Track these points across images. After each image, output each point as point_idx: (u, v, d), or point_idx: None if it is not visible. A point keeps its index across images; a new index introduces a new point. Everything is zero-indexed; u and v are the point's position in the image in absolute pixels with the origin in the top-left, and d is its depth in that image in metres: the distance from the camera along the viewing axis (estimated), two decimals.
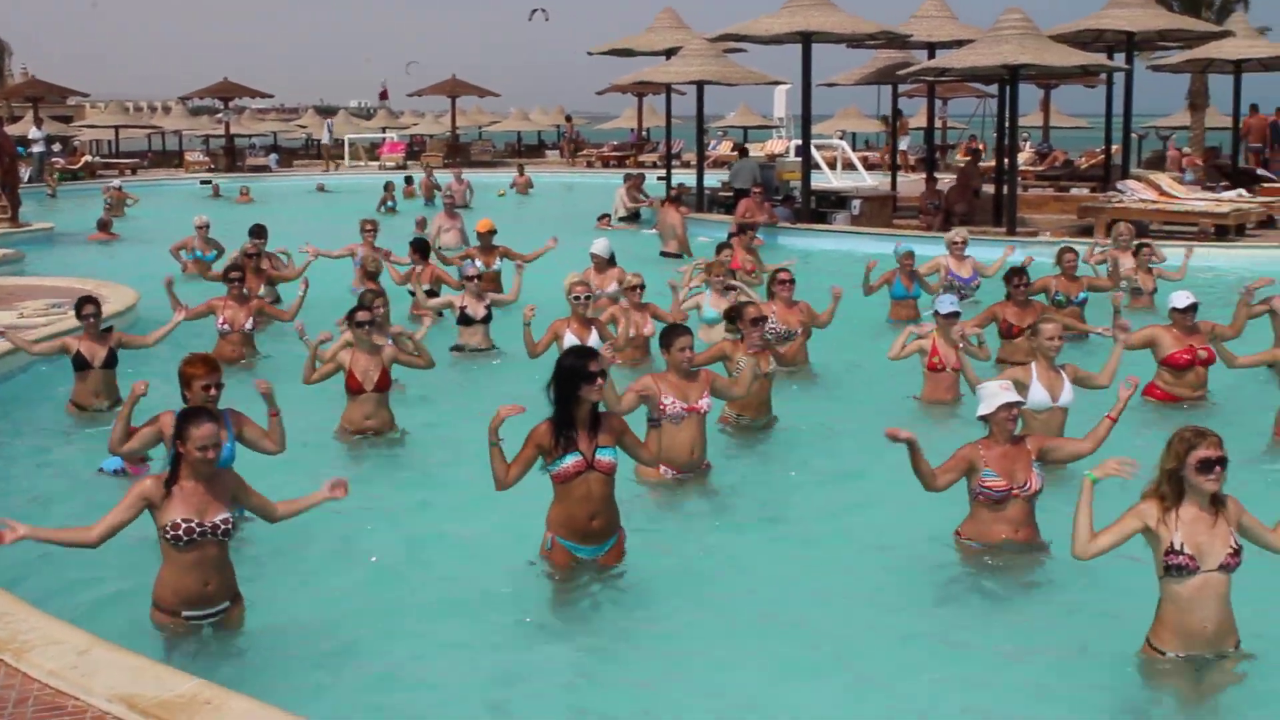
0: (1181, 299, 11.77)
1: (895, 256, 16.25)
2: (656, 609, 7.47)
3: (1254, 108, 34.01)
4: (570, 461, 7.46)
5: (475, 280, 14.53)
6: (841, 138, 42.80)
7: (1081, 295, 14.84)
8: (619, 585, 7.67)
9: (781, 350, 12.37)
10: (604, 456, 7.54)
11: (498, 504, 7.86)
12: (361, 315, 10.90)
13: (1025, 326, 12.43)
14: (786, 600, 7.63)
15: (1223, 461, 6.14)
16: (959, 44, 26.51)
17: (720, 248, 16.46)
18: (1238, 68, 30.90)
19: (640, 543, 8.03)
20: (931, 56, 28.09)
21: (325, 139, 56.77)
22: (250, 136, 61.22)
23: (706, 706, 6.39)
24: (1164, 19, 27.53)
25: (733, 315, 11.15)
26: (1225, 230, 23.01)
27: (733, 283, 14.70)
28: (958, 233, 17.20)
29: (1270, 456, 10.05)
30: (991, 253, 17.71)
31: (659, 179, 32.67)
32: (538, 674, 6.70)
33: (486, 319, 14.39)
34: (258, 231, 18.53)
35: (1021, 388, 9.19)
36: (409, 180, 38.74)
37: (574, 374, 7.45)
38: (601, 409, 7.75)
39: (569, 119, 61.15)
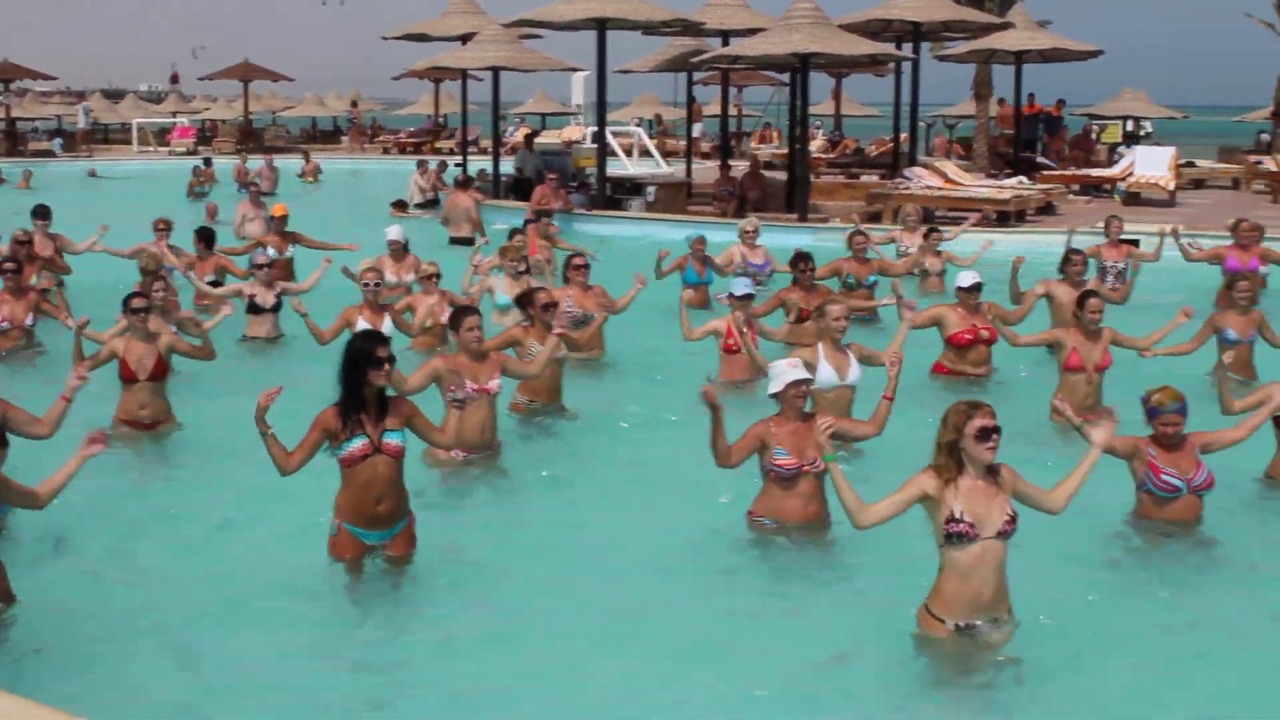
0: (966, 278, 12.16)
1: (687, 243, 16.39)
2: (448, 592, 7.42)
3: (1030, 97, 35.09)
4: (357, 445, 7.34)
5: (265, 269, 14.17)
6: (638, 125, 42.99)
7: (872, 278, 15.13)
8: (409, 569, 7.60)
9: (576, 335, 12.35)
10: (391, 440, 7.43)
11: (282, 494, 7.70)
12: (136, 302, 10.51)
13: (813, 310, 12.61)
14: (579, 579, 7.64)
15: (998, 430, 6.32)
16: (752, 32, 26.84)
17: (513, 233, 16.42)
18: (1018, 59, 31.83)
19: (432, 524, 7.97)
20: (725, 44, 28.38)
21: (81, 123, 54.77)
22: (33, 120, 58.94)
23: (500, 688, 6.37)
24: (948, 10, 28.22)
25: (524, 301, 11.11)
26: (1007, 216, 23.79)
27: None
28: (749, 221, 17.43)
29: (1045, 432, 10.35)
30: (785, 239, 17.93)
31: (456, 165, 32.42)
32: (324, 665, 6.59)
33: (276, 308, 14.05)
34: (41, 212, 17.63)
35: (809, 368, 9.33)
36: (207, 162, 37.56)
37: (362, 358, 7.33)
38: (390, 392, 7.65)
39: (355, 104, 60.14)
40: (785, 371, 8.14)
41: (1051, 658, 6.54)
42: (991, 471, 6.41)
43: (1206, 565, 7.91)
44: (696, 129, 38.72)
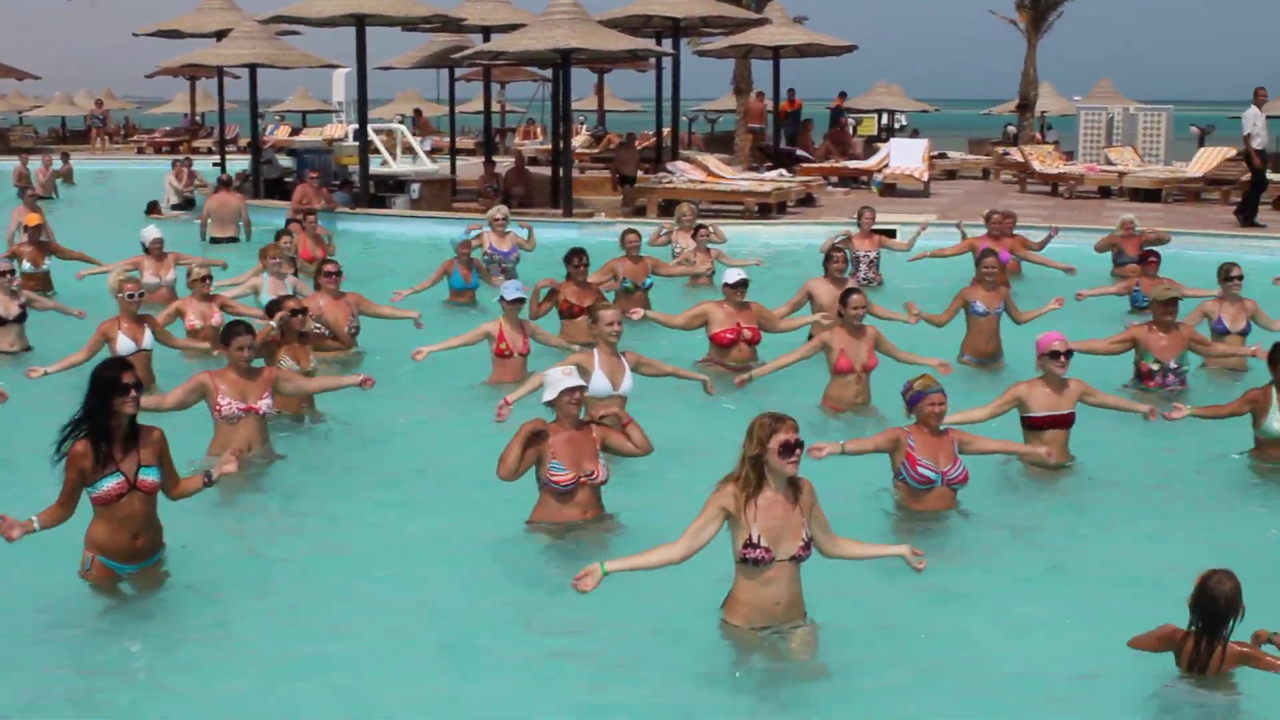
0: (733, 275, 12.32)
1: (452, 247, 16.32)
2: (211, 608, 7.23)
3: (790, 92, 35.83)
4: (111, 484, 7.10)
5: (7, 275, 13.46)
6: (401, 122, 42.50)
7: (648, 280, 15.11)
8: (167, 590, 7.38)
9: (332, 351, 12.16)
10: (147, 476, 7.21)
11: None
12: None
13: (586, 306, 12.63)
14: (346, 590, 7.53)
15: (801, 445, 6.42)
16: (513, 28, 26.75)
17: (279, 234, 16.17)
18: (776, 54, 32.45)
19: (194, 540, 7.80)
20: (486, 40, 28.25)
21: None
22: None
23: (268, 703, 6.26)
24: (706, 5, 28.53)
25: (273, 309, 10.91)
26: (768, 208, 24.25)
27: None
28: (498, 209, 17.96)
29: (816, 426, 10.52)
30: (551, 234, 18.00)
31: (214, 164, 31.61)
32: (79, 690, 6.37)
33: (20, 319, 13.37)
34: None
35: (584, 373, 9.30)
36: None
37: (108, 385, 7.05)
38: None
39: (99, 103, 57.87)
40: (559, 379, 8.12)
41: (827, 657, 6.61)
42: (793, 485, 6.50)
43: (959, 557, 8.03)
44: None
